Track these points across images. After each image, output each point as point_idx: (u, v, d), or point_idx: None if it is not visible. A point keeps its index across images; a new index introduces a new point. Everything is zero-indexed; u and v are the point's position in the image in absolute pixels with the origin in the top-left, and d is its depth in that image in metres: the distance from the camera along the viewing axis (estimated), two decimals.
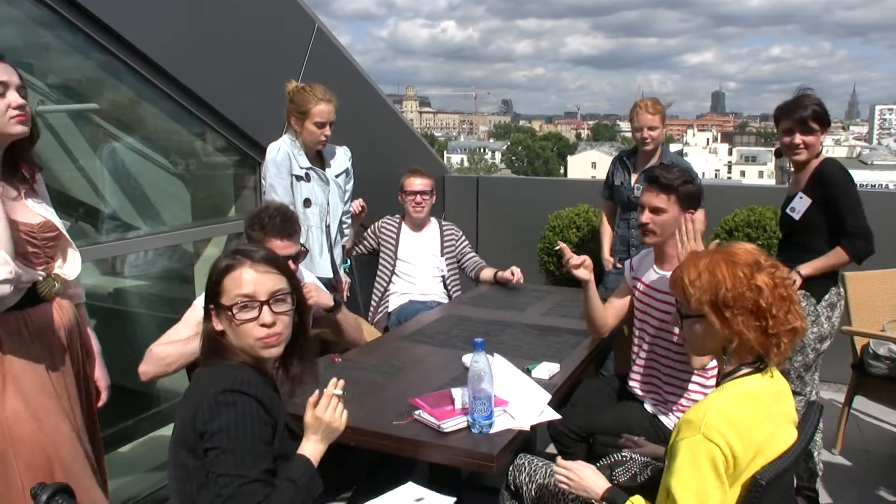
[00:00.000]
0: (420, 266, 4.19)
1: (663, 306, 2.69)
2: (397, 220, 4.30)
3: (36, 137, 2.10)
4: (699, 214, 3.82)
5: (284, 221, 2.73)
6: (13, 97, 1.97)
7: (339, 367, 2.74)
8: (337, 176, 3.60)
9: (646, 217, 2.70)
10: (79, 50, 3.41)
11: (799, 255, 3.05)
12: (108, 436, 3.98)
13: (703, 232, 3.91)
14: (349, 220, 3.79)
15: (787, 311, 1.75)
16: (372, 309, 4.19)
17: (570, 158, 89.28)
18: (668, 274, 2.60)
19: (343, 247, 3.75)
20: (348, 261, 3.90)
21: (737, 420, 1.67)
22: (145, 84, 3.57)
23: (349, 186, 3.71)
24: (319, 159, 3.57)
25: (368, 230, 4.29)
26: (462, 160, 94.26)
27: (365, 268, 4.37)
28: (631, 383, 2.86)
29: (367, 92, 5.15)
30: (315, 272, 3.39)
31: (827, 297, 3.06)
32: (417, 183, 4.17)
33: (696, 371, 2.62)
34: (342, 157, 3.65)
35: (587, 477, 1.95)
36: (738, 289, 1.74)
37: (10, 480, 2.00)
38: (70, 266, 2.19)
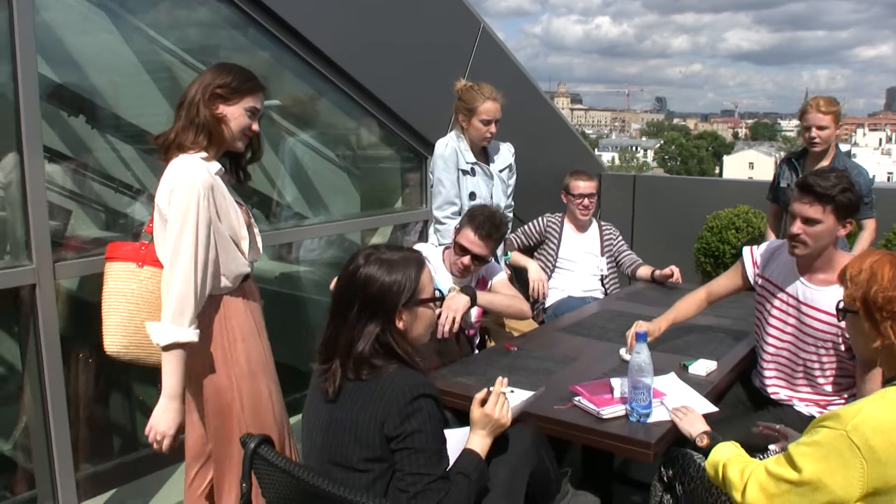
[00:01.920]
0: (580, 264, 4.26)
1: (815, 323, 2.59)
2: (559, 219, 4.36)
3: (258, 156, 2.48)
4: (870, 223, 3.71)
5: (488, 219, 3.05)
6: (255, 125, 2.36)
7: (512, 356, 2.92)
8: (501, 171, 3.75)
9: (797, 228, 2.52)
10: (260, 46, 3.73)
11: None
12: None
13: (873, 241, 3.78)
14: (511, 214, 3.93)
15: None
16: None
17: (726, 158, 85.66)
18: (823, 289, 2.56)
19: (505, 240, 3.90)
20: (508, 254, 4.05)
21: (889, 428, 1.67)
22: (321, 80, 3.89)
23: (512, 181, 3.85)
24: (484, 155, 3.73)
25: (530, 225, 4.38)
26: (613, 158, 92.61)
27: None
28: (763, 388, 2.79)
29: (527, 90, 5.29)
30: None
31: None
32: (583, 185, 4.23)
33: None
34: (506, 153, 3.80)
35: (695, 419, 2.14)
36: (891, 291, 1.74)
37: (233, 430, 2.34)
38: (259, 246, 2.51)
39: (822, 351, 2.60)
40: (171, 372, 2.21)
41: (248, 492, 1.81)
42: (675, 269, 4.11)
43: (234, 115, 2.30)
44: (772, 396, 2.77)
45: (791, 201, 2.61)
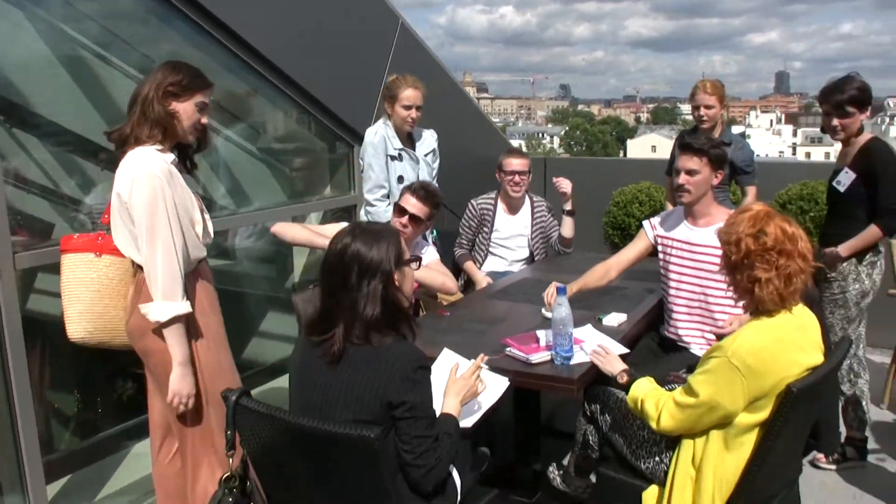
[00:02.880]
0: (512, 249, 4.54)
1: (703, 257, 3.07)
2: (493, 199, 4.54)
3: (204, 146, 2.67)
4: (752, 189, 4.20)
5: (423, 186, 3.50)
6: (204, 118, 2.55)
7: (447, 319, 3.27)
8: (425, 155, 4.10)
9: (682, 179, 3.08)
10: (185, 38, 3.87)
11: (843, 224, 3.42)
12: None
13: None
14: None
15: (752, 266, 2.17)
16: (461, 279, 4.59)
17: (629, 142, 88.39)
18: (704, 229, 3.09)
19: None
20: (435, 231, 4.37)
21: (759, 349, 2.11)
22: (249, 72, 4.08)
23: (436, 164, 4.20)
24: (410, 141, 4.06)
25: (465, 214, 4.53)
26: (520, 146, 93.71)
27: (448, 237, 4.70)
28: (671, 334, 3.24)
29: (444, 80, 5.60)
30: None
31: (867, 257, 3.40)
32: (516, 163, 4.41)
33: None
34: (430, 139, 4.16)
35: (614, 360, 2.55)
36: (748, 237, 2.18)
37: (197, 399, 2.55)
38: (210, 230, 2.70)
39: (714, 284, 3.04)
40: (177, 343, 2.44)
41: (233, 438, 2.05)
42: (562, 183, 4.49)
43: (186, 110, 2.48)
44: (676, 341, 3.20)
45: (675, 160, 3.16)
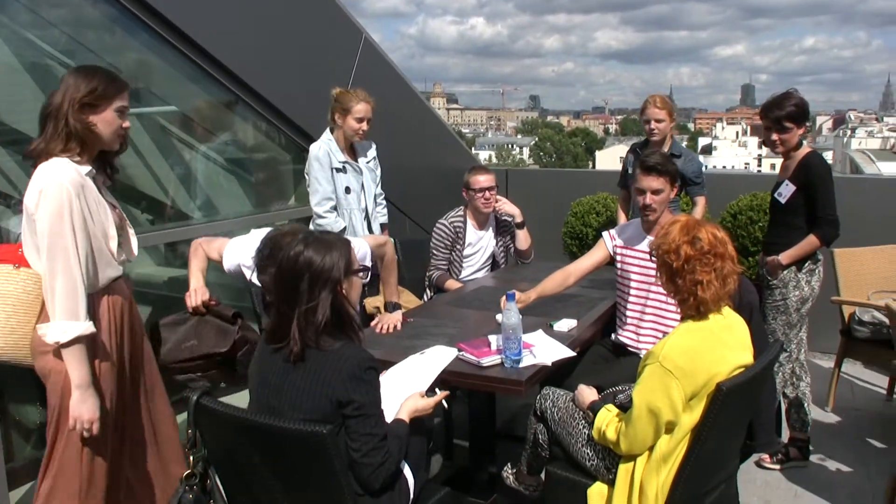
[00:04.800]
0: (480, 257, 4.62)
1: None
2: (462, 216, 4.56)
3: (124, 149, 2.57)
4: (701, 200, 4.37)
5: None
6: (126, 122, 2.47)
7: (409, 325, 3.37)
8: (368, 162, 4.28)
9: (649, 199, 3.23)
10: (153, 50, 3.95)
11: (784, 234, 3.59)
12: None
13: (704, 216, 4.45)
14: (384, 202, 4.45)
15: (693, 270, 2.31)
16: (426, 285, 4.66)
17: (598, 154, 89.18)
18: None
19: (382, 225, 4.42)
20: (394, 240, 4.47)
21: (687, 349, 2.26)
22: (212, 82, 4.18)
23: (378, 172, 4.37)
24: (352, 152, 4.22)
25: (441, 232, 4.49)
26: (490, 156, 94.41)
27: (412, 249, 4.76)
28: (625, 340, 3.37)
29: (407, 94, 5.73)
30: (360, 249, 4.04)
31: (806, 265, 3.57)
32: (483, 179, 4.42)
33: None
34: (370, 148, 4.33)
35: (583, 392, 2.67)
36: (669, 248, 2.35)
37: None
38: (133, 246, 2.64)
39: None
40: (78, 365, 2.30)
41: (194, 437, 2.14)
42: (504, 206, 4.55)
43: (106, 119, 2.38)
44: (628, 347, 3.33)
45: (637, 180, 3.30)
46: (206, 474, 2.20)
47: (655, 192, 3.22)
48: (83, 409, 2.33)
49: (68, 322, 2.27)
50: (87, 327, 2.30)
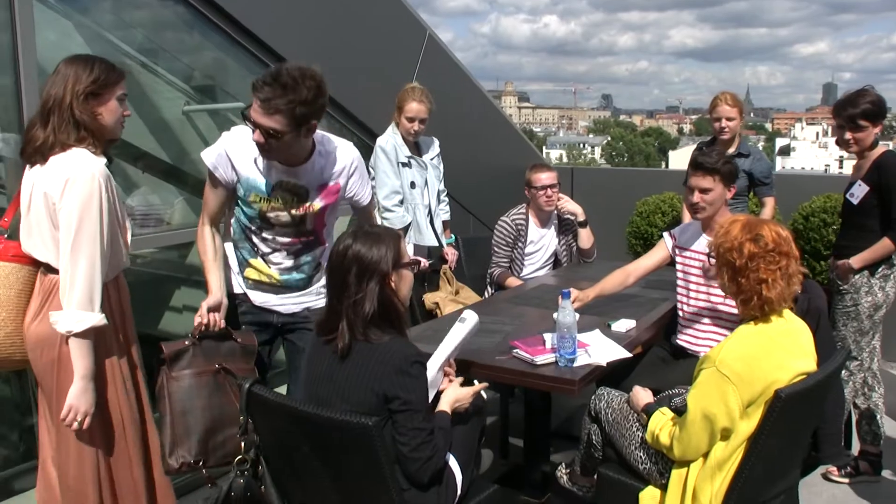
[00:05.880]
0: (542, 255, 4.58)
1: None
2: (524, 213, 4.48)
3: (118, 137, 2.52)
4: (770, 201, 4.25)
5: (264, 82, 2.40)
6: (126, 109, 2.46)
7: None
8: (431, 159, 4.29)
9: (696, 197, 3.15)
10: (226, 52, 4.08)
11: (855, 235, 3.46)
12: None
13: (774, 217, 4.32)
14: (446, 199, 4.46)
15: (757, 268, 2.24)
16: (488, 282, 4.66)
17: (671, 154, 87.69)
18: None
19: (444, 222, 4.43)
20: (453, 236, 4.49)
21: (744, 354, 2.19)
22: None
23: (441, 168, 4.39)
24: (416, 148, 4.25)
25: (502, 230, 4.44)
26: (561, 156, 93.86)
27: (475, 246, 4.77)
28: (684, 343, 3.28)
29: (472, 92, 5.73)
30: (423, 241, 4.18)
31: (880, 270, 3.43)
32: (545, 177, 4.37)
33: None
34: (434, 145, 4.35)
35: (638, 394, 2.61)
36: (731, 246, 2.28)
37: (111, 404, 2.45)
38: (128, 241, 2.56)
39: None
40: (84, 355, 2.28)
41: (246, 423, 2.19)
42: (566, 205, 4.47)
43: (110, 109, 2.36)
44: (686, 350, 3.26)
45: (688, 178, 3.21)
46: (258, 460, 2.24)
47: (703, 190, 3.14)
48: (83, 400, 2.30)
49: (83, 312, 2.25)
50: (101, 319, 2.29)
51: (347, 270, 2.20)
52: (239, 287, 2.79)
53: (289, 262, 2.73)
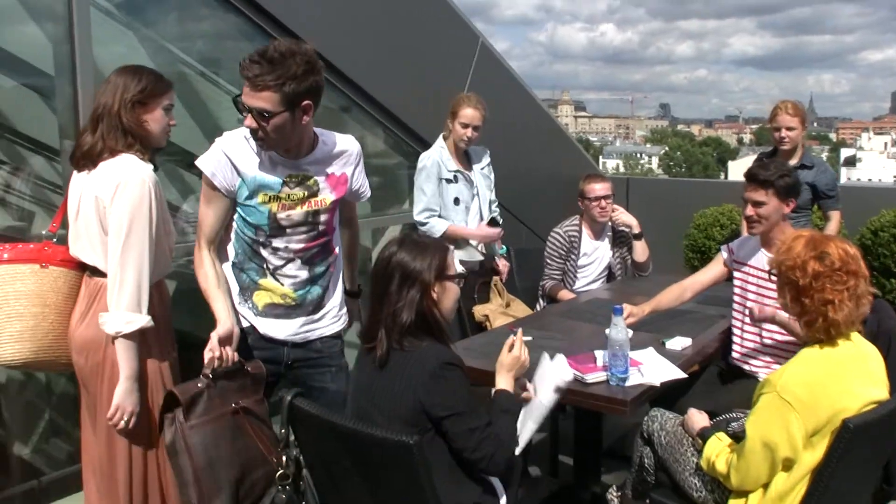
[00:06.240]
0: (596, 268, 4.47)
1: None
2: (577, 225, 4.40)
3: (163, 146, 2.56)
4: (835, 214, 4.07)
5: (251, 60, 2.23)
6: (172, 119, 2.50)
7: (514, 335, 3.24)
8: (482, 168, 4.20)
9: (749, 210, 3.02)
10: None
11: None
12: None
13: (838, 230, 4.13)
14: (498, 210, 4.35)
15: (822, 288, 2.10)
16: (539, 295, 4.54)
17: (731, 164, 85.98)
18: None
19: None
20: (504, 247, 4.40)
21: (808, 379, 2.05)
22: (334, 91, 4.26)
23: (492, 177, 4.29)
24: (467, 159, 4.15)
25: (555, 241, 4.37)
26: (618, 165, 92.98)
27: (527, 257, 4.66)
28: (741, 364, 3.14)
29: (525, 100, 5.66)
30: (467, 257, 4.07)
31: None
32: (598, 188, 4.27)
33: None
34: (484, 154, 4.25)
35: (693, 416, 2.47)
36: (793, 264, 2.15)
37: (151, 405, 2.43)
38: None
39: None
40: (131, 357, 2.30)
41: (287, 436, 2.14)
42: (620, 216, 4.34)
43: (156, 118, 2.41)
44: (743, 370, 3.12)
45: (743, 190, 3.07)
46: (299, 475, 2.20)
47: (756, 204, 3.00)
48: (129, 400, 2.34)
49: (132, 314, 2.28)
50: (148, 321, 2.32)
51: (390, 278, 2.17)
52: (244, 319, 2.52)
53: (304, 274, 2.50)
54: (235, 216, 2.43)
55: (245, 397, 2.32)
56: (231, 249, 2.48)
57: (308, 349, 2.57)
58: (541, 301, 4.44)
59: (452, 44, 4.92)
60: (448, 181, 4.05)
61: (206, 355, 2.29)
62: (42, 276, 2.38)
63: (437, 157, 4.03)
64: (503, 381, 2.29)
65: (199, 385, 2.24)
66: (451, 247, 2.45)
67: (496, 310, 3.99)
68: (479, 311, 3.99)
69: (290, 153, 2.40)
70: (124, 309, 2.27)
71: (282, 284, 2.48)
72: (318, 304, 2.56)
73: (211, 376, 2.26)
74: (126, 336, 2.28)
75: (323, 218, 2.49)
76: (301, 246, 2.47)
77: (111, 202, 2.27)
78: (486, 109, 4.01)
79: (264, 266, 2.46)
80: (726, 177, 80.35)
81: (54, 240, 2.44)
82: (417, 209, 4.04)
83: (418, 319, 2.15)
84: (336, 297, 2.61)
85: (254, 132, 2.29)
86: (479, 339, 3.33)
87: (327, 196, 2.49)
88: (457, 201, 4.06)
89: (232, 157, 2.36)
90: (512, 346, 2.33)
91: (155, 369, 2.45)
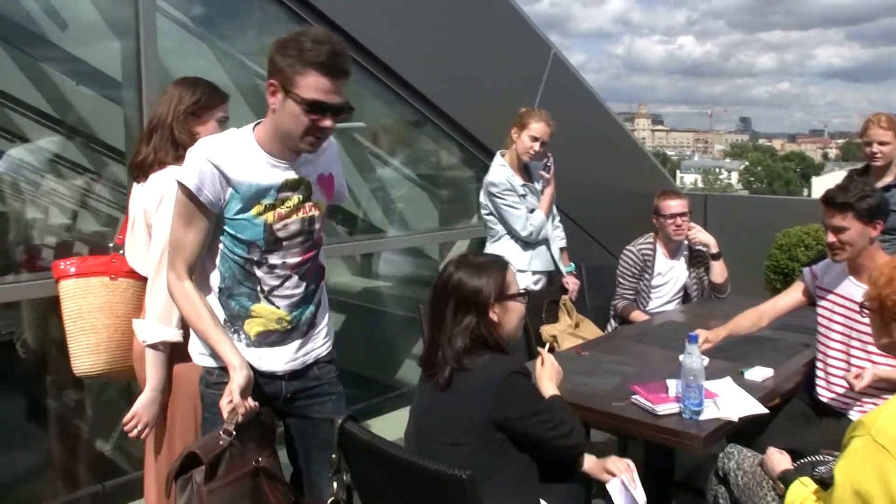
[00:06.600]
0: (670, 288, 4.29)
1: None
2: (651, 243, 4.24)
3: None
4: None
5: (335, 55, 1.98)
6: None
7: (584, 359, 3.16)
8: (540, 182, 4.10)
9: (830, 237, 2.79)
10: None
11: None
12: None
13: None
14: (560, 224, 4.26)
15: None
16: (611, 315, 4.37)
17: (814, 180, 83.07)
18: None
19: (561, 249, 4.21)
20: (573, 264, 4.26)
21: None
22: (403, 104, 4.23)
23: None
24: (527, 174, 4.06)
25: (628, 260, 4.21)
26: (696, 180, 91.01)
27: (598, 276, 4.48)
28: (827, 400, 2.91)
29: (599, 113, 5.50)
30: (540, 266, 4.03)
31: None
32: (674, 205, 4.11)
33: None
34: (540, 166, 4.11)
35: (774, 457, 2.29)
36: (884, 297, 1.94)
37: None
38: None
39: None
40: (157, 367, 2.29)
41: (339, 462, 2.05)
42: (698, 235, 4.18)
43: (209, 130, 2.36)
44: (830, 406, 2.89)
45: (822, 215, 2.86)
46: (350, 501, 2.12)
47: (837, 229, 2.76)
48: (149, 411, 2.32)
49: (160, 325, 2.27)
50: (176, 335, 2.28)
51: (446, 302, 2.13)
52: None
53: (299, 291, 2.19)
54: (222, 236, 2.09)
55: (262, 450, 2.09)
56: (215, 275, 2.14)
57: (307, 378, 2.26)
58: (612, 321, 4.28)
59: (524, 56, 4.81)
60: (521, 196, 3.97)
61: (226, 407, 1.99)
62: (112, 288, 2.41)
63: (506, 174, 3.95)
64: (549, 388, 2.37)
65: (220, 443, 1.96)
66: (511, 264, 2.34)
67: (564, 330, 3.84)
68: (546, 331, 3.85)
69: (284, 154, 2.09)
70: (154, 319, 2.27)
71: (277, 307, 2.16)
72: (312, 323, 2.26)
73: (235, 433, 1.97)
74: (152, 346, 2.27)
75: (317, 225, 2.21)
76: (297, 260, 2.17)
77: (155, 213, 2.27)
78: (554, 128, 3.92)
79: (258, 288, 2.13)
80: (810, 193, 77.79)
81: (121, 251, 2.45)
82: (520, 225, 3.93)
83: (477, 342, 2.11)
84: (325, 313, 2.32)
85: (317, 137, 2.03)
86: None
87: (320, 200, 2.20)
88: (532, 212, 4.00)
89: (220, 165, 2.02)
90: (542, 362, 2.43)
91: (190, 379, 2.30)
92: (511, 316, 2.20)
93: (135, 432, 2.33)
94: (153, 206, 2.28)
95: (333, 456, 2.07)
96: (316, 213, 2.18)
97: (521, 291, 2.27)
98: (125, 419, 2.32)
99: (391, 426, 4.38)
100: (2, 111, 4.10)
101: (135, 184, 2.42)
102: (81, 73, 4.08)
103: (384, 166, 5.03)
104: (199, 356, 2.18)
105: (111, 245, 2.48)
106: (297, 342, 2.21)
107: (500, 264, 2.22)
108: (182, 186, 2.00)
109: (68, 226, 3.74)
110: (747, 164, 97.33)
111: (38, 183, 3.77)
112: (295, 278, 2.17)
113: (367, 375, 4.97)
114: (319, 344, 2.29)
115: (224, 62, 4.12)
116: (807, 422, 2.93)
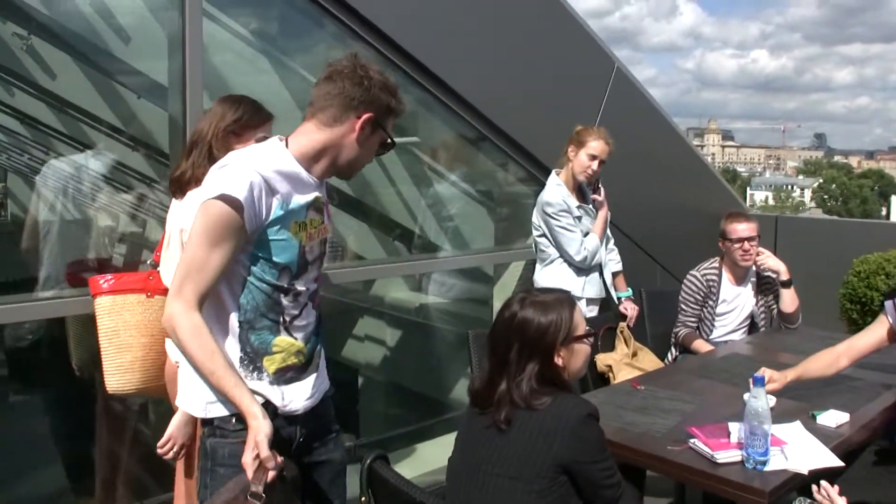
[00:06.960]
0: (735, 317, 4.07)
1: None
2: (717, 268, 4.03)
3: None
4: None
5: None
6: None
7: (639, 394, 2.97)
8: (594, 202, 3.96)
9: None
10: (403, 88, 4.01)
11: None
12: (401, 435, 4.58)
13: None
14: (614, 247, 4.10)
15: None
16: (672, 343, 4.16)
17: (893, 199, 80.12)
18: None
19: (613, 274, 4.05)
20: (629, 290, 4.06)
21: None
22: (461, 122, 4.12)
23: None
24: (581, 194, 3.91)
25: (691, 285, 4.00)
26: (767, 198, 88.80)
27: (660, 301, 4.29)
28: None
29: (662, 127, 5.30)
30: (594, 293, 3.90)
31: None
32: (742, 228, 3.89)
33: None
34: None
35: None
36: None
37: None
38: None
39: None
40: None
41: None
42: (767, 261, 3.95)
43: None
44: None
45: None
46: None
47: None
48: (184, 431, 2.27)
49: None
50: None
51: (509, 344, 2.01)
52: (258, 397, 1.90)
53: (312, 320, 2.03)
54: (249, 261, 1.89)
55: None
56: (233, 308, 1.91)
57: (317, 416, 2.06)
58: (672, 350, 4.06)
59: (585, 71, 4.65)
60: (577, 218, 3.82)
61: (251, 465, 1.74)
62: (148, 306, 2.37)
63: (562, 194, 3.80)
64: None
65: None
66: (578, 303, 2.21)
67: (621, 360, 3.65)
68: (601, 360, 3.66)
69: (324, 174, 2.00)
70: None
71: (295, 339, 1.98)
72: (320, 355, 2.10)
73: (265, 496, 1.70)
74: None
75: (328, 248, 2.10)
76: (314, 286, 2.04)
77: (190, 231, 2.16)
78: (613, 146, 3.77)
79: (280, 320, 1.94)
80: (889, 212, 75.12)
81: (158, 269, 2.41)
82: (573, 249, 3.79)
83: (542, 382, 1.99)
84: (320, 344, 2.13)
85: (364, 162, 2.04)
86: (600, 395, 3.00)
87: (327, 221, 2.07)
88: (586, 235, 3.87)
89: (269, 178, 1.85)
90: None
91: None
92: (577, 357, 2.09)
93: (171, 454, 2.28)
94: (188, 223, 2.14)
95: (363, 499, 1.97)
96: (328, 235, 2.08)
97: (589, 331, 2.14)
98: (160, 442, 2.26)
99: (440, 451, 4.27)
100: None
101: (173, 200, 2.39)
102: (142, 85, 4.12)
103: (441, 182, 4.95)
104: (208, 405, 1.88)
105: (148, 262, 2.46)
106: (313, 376, 2.03)
107: (567, 302, 2.09)
108: (226, 199, 1.78)
109: (112, 241, 3.75)
110: (821, 181, 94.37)
111: (86, 197, 3.79)
112: (310, 305, 2.02)
113: (420, 393, 4.87)
114: (323, 375, 2.12)
115: (286, 79, 4.10)
116: (889, 475, 2.67)
